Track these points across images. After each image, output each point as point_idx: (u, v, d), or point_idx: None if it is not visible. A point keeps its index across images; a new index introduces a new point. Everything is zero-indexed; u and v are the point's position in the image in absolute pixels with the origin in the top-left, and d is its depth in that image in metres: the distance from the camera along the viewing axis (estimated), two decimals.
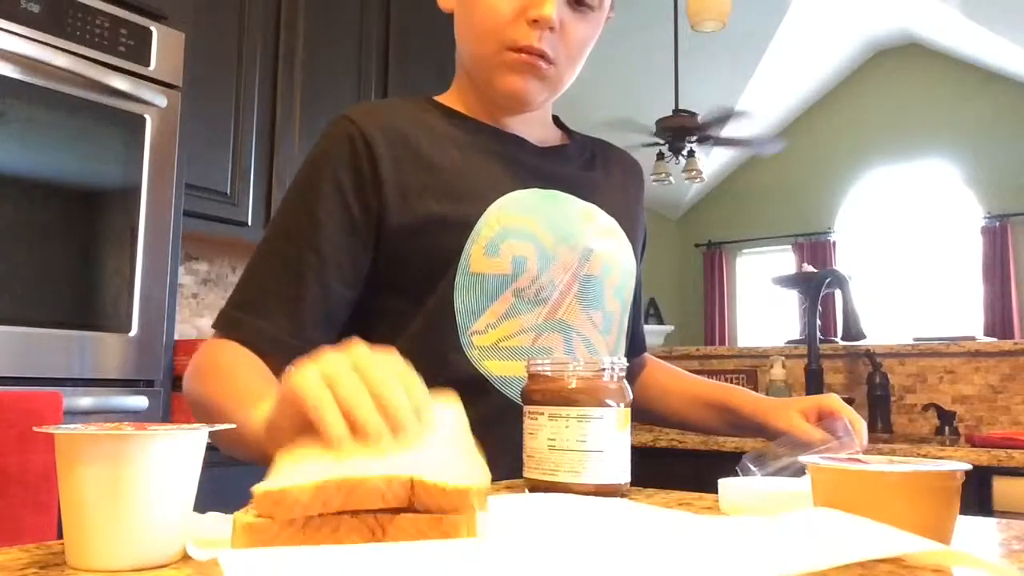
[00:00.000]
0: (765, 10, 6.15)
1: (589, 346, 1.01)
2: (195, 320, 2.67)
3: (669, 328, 8.10)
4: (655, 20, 5.75)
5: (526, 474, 0.78)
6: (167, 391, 1.87)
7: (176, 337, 1.97)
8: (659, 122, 5.79)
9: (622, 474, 0.77)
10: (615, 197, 1.11)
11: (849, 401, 2.47)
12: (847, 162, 8.02)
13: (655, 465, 2.12)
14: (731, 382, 1.18)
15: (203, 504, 0.56)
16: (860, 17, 6.95)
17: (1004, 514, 1.79)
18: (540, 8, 0.94)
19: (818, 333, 2.54)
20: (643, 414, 1.21)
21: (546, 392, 0.77)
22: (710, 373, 2.80)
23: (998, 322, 7.14)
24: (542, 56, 0.96)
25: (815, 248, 8.14)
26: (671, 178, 6.23)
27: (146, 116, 1.84)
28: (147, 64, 1.85)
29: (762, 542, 0.46)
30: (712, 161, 7.84)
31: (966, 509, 0.56)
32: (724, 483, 0.73)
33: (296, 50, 2.57)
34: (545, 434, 0.76)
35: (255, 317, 0.91)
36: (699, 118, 5.69)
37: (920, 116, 7.61)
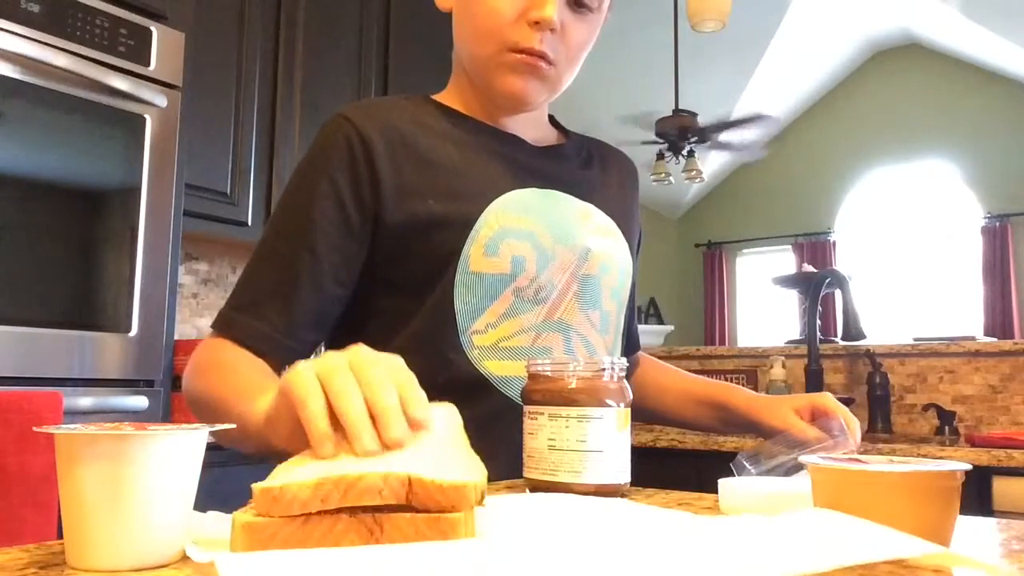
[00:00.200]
0: (765, 10, 6.15)
1: (588, 346, 1.01)
2: (195, 320, 2.67)
3: (669, 328, 8.10)
4: (655, 20, 5.75)
5: (526, 474, 0.78)
6: (167, 391, 1.87)
7: (176, 337, 1.97)
8: (659, 122, 5.79)
9: (622, 474, 0.77)
10: (612, 196, 1.11)
11: (849, 401, 2.48)
12: (847, 162, 8.03)
13: (655, 465, 2.12)
14: (731, 382, 1.17)
15: (203, 504, 0.56)
16: (860, 17, 6.95)
17: (1004, 514, 1.79)
18: (541, 10, 0.94)
19: (818, 333, 2.54)
20: (638, 412, 1.21)
21: (546, 392, 0.77)
22: (710, 373, 2.80)
23: (998, 322, 7.14)
24: (543, 57, 0.97)
25: (815, 248, 8.14)
26: (671, 178, 6.24)
27: (146, 116, 1.84)
28: (147, 64, 1.85)
29: (763, 543, 0.46)
30: (712, 161, 7.84)
31: (966, 509, 0.56)
32: (724, 483, 0.73)
33: (296, 50, 2.57)
34: (545, 434, 0.76)
35: (250, 317, 0.92)
36: (703, 120, 5.69)
37: (920, 116, 7.61)
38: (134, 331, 1.80)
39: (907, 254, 7.70)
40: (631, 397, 0.79)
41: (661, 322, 8.34)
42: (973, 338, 2.55)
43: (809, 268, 3.41)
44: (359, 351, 0.62)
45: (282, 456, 0.59)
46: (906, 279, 7.64)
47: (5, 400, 1.38)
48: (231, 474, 1.47)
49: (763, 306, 8.37)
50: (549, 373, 0.78)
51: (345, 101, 2.63)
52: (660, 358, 1.28)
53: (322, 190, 0.94)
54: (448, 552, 0.44)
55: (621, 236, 1.09)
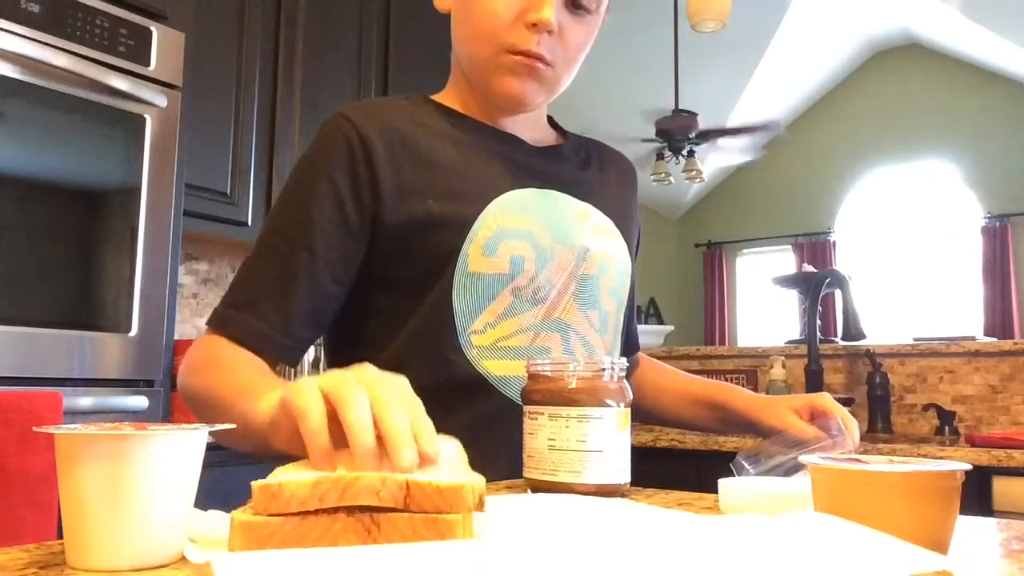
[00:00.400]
0: (765, 10, 6.15)
1: (587, 345, 1.01)
2: (195, 320, 2.67)
3: (669, 328, 8.10)
4: (655, 20, 5.74)
5: (526, 474, 0.78)
6: (167, 391, 1.87)
7: (176, 337, 1.97)
8: (659, 122, 5.79)
9: (622, 474, 0.77)
10: (610, 196, 1.11)
11: (849, 401, 2.48)
12: (847, 162, 8.02)
13: (655, 465, 2.12)
14: (731, 382, 1.17)
15: (203, 504, 0.56)
16: (860, 17, 6.95)
17: (1004, 514, 1.79)
18: (539, 12, 0.94)
19: (818, 333, 2.54)
20: (636, 413, 1.21)
21: (546, 392, 0.77)
22: (710, 373, 2.80)
23: (998, 322, 7.13)
24: (540, 59, 0.97)
25: (815, 248, 8.14)
26: (671, 178, 6.23)
27: (146, 116, 1.84)
28: (147, 64, 1.85)
29: (762, 549, 0.46)
30: (712, 161, 7.84)
31: (966, 509, 0.56)
32: (724, 483, 0.73)
33: (296, 50, 2.57)
34: (545, 434, 0.76)
35: (246, 315, 0.92)
36: (700, 122, 5.69)
37: (920, 116, 7.61)
38: (134, 331, 1.80)
39: (907, 254, 7.69)
40: (631, 397, 0.79)
41: (661, 322, 8.34)
42: (973, 338, 2.55)
43: (809, 268, 3.41)
44: (367, 371, 0.60)
45: (281, 458, 0.58)
46: (906, 279, 7.63)
47: (5, 400, 1.38)
48: (231, 474, 1.48)
49: (763, 306, 8.36)
50: (549, 373, 0.78)
51: (345, 101, 2.63)
52: (660, 358, 1.29)
53: (321, 189, 0.94)
54: (446, 552, 0.44)
55: (620, 236, 1.09)
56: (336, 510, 0.49)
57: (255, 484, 0.49)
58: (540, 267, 0.97)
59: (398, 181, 0.95)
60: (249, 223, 2.42)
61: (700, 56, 6.11)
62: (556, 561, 0.42)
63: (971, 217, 7.46)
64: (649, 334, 7.70)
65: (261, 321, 0.91)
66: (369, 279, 0.97)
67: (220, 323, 0.93)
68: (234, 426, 0.63)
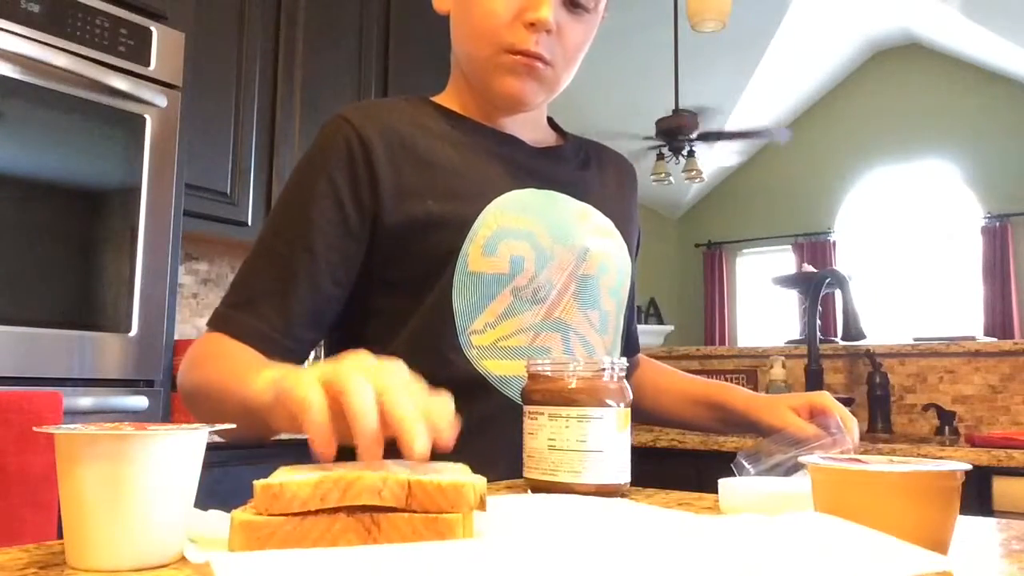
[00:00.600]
0: (765, 10, 6.15)
1: (587, 345, 1.01)
2: (195, 320, 2.67)
3: (669, 328, 8.10)
4: (655, 20, 5.75)
5: (526, 474, 0.78)
6: (167, 391, 1.87)
7: (176, 337, 1.97)
8: (659, 122, 5.80)
9: (622, 474, 0.77)
10: (610, 197, 1.11)
11: (849, 401, 2.48)
12: (847, 162, 8.02)
13: (655, 465, 2.12)
14: (731, 382, 1.18)
15: (203, 504, 0.56)
16: (860, 17, 6.95)
17: (1004, 514, 1.79)
18: (537, 11, 0.94)
19: (818, 333, 2.54)
20: (636, 413, 1.21)
21: (546, 392, 0.77)
22: (710, 373, 2.80)
23: (998, 322, 7.14)
24: (539, 59, 0.97)
25: (815, 248, 8.14)
26: (671, 178, 6.24)
27: (146, 116, 1.84)
28: (147, 64, 1.85)
29: (762, 549, 0.46)
30: (712, 161, 7.84)
31: (966, 509, 0.56)
32: (724, 483, 0.73)
33: (296, 50, 2.57)
34: (545, 434, 0.76)
35: (246, 315, 0.92)
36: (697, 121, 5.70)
37: (920, 116, 7.61)
38: (134, 331, 1.80)
39: (907, 254, 7.69)
40: (631, 397, 0.79)
41: (661, 322, 8.34)
42: (973, 338, 2.55)
43: (809, 268, 3.41)
44: (364, 357, 0.60)
45: (281, 457, 0.58)
46: (906, 279, 7.64)
47: (5, 400, 1.38)
48: (231, 474, 1.48)
49: (763, 306, 8.37)
50: (549, 373, 0.78)
51: (345, 101, 2.63)
52: (660, 358, 1.29)
53: (321, 190, 0.94)
54: (446, 552, 0.44)
55: (619, 236, 1.09)
56: (336, 510, 0.49)
57: (257, 484, 0.49)
58: (540, 267, 0.97)
59: (398, 182, 0.95)
60: (249, 223, 2.42)
61: (700, 56, 6.12)
62: (556, 561, 0.42)
63: (971, 217, 7.46)
64: (649, 334, 7.70)
65: (262, 321, 0.91)
66: (369, 280, 0.97)
67: (220, 323, 0.93)
68: (234, 426, 0.63)
